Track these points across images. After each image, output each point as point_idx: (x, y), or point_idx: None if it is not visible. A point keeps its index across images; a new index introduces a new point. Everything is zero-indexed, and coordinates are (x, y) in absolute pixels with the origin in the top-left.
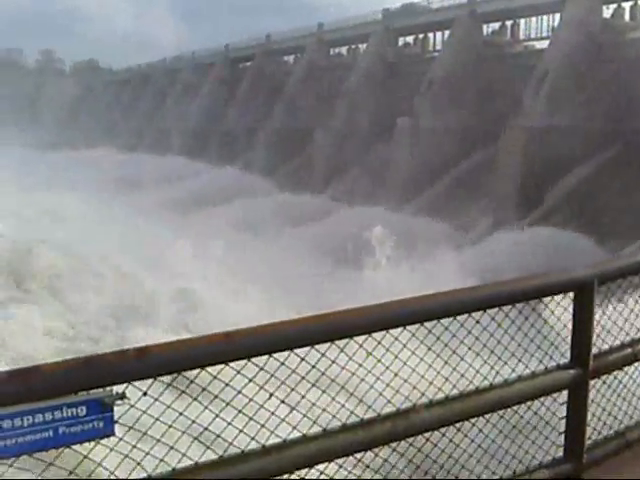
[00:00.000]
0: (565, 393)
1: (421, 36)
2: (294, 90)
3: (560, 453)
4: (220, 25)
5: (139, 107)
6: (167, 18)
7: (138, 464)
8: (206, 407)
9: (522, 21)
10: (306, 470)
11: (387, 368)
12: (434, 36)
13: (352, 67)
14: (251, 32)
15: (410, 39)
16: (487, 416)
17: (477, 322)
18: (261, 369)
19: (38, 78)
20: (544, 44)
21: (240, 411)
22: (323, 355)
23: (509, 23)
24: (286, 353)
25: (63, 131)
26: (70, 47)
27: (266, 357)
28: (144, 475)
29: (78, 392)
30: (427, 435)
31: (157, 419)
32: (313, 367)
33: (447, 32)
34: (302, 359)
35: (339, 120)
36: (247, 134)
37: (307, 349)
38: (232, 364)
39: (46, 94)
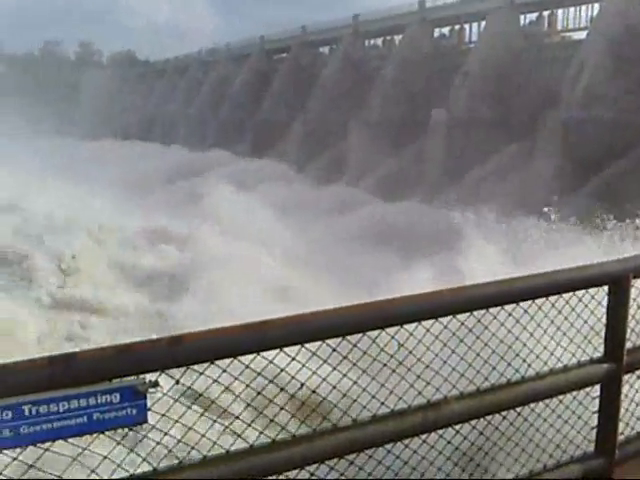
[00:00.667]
0: (598, 387)
1: (457, 27)
2: (329, 82)
3: (591, 448)
4: (256, 16)
5: (174, 99)
6: (204, 9)
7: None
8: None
9: (559, 11)
10: (336, 460)
11: (418, 360)
12: (470, 27)
13: (387, 59)
14: (287, 23)
15: (446, 30)
16: (518, 409)
17: (509, 315)
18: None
19: (77, 69)
20: (582, 35)
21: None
22: (355, 346)
23: (546, 13)
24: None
25: (99, 122)
26: (108, 39)
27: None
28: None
29: (112, 379)
30: (457, 427)
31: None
32: (344, 358)
33: (484, 23)
34: (334, 349)
35: (373, 112)
36: (282, 125)
37: (338, 340)
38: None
39: (84, 85)
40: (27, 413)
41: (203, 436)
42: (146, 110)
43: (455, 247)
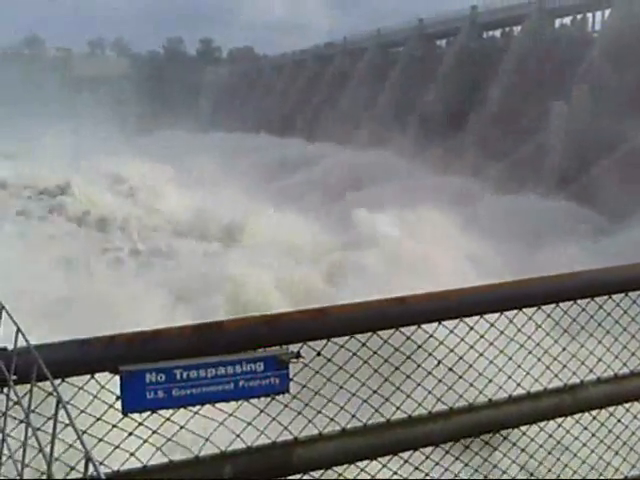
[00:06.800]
0: None
1: (579, 16)
2: (446, 74)
3: None
4: (372, 9)
5: (293, 93)
6: (320, 4)
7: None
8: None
9: None
10: (471, 438)
11: (555, 342)
12: (593, 16)
13: (506, 50)
14: (403, 16)
15: (567, 20)
16: None
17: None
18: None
19: (198, 66)
20: None
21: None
22: (492, 325)
23: None
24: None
25: (220, 116)
26: (228, 36)
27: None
28: None
29: (257, 348)
30: (594, 413)
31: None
32: (481, 337)
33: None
34: (471, 328)
35: (492, 104)
36: (398, 119)
37: (476, 318)
38: None
39: (205, 80)
40: (178, 377)
41: (342, 408)
42: (265, 104)
43: None
